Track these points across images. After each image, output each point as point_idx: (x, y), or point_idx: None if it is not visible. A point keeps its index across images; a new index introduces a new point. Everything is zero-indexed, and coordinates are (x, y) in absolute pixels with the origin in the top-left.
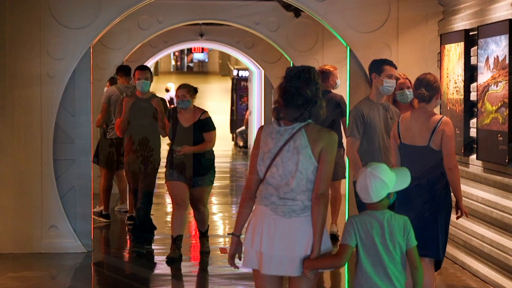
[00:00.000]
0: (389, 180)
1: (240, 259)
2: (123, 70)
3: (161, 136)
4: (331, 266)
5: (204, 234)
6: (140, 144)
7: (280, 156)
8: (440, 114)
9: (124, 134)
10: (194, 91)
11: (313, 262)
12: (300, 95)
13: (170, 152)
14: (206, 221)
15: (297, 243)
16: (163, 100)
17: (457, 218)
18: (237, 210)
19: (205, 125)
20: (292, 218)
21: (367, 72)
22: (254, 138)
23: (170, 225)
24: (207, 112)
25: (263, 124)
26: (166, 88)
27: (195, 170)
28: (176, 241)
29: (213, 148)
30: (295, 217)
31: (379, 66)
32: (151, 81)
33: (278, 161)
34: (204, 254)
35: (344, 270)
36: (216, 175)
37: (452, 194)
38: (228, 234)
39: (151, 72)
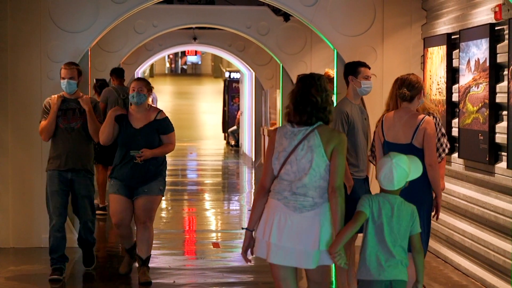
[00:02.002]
0: (409, 169)
1: (252, 253)
2: (116, 72)
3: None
4: (350, 233)
5: (144, 262)
6: (67, 149)
7: (294, 154)
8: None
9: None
10: (150, 89)
11: (334, 242)
12: (310, 102)
13: (117, 156)
14: (151, 243)
15: (305, 237)
16: (93, 99)
17: (433, 216)
18: (228, 206)
19: (163, 126)
20: (302, 214)
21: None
22: (240, 139)
23: (165, 220)
24: (163, 111)
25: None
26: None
27: (142, 176)
28: (128, 251)
29: (208, 147)
30: (305, 212)
31: (355, 68)
32: (79, 81)
33: (292, 158)
34: (145, 285)
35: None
36: (208, 173)
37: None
38: (242, 228)
39: (79, 71)
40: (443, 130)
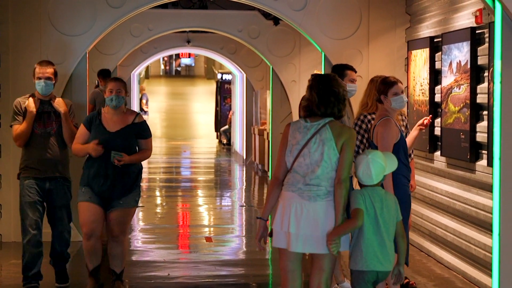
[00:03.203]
0: (385, 164)
1: (265, 242)
2: (103, 73)
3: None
4: (351, 229)
5: (119, 277)
6: (44, 156)
7: (307, 147)
8: (407, 114)
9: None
10: (127, 90)
11: (335, 231)
12: (333, 93)
13: (87, 163)
14: (125, 257)
15: (321, 223)
16: (68, 102)
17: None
18: (220, 202)
19: (142, 130)
20: (317, 202)
21: None
22: (231, 138)
23: (159, 216)
24: (141, 114)
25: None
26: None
27: (117, 187)
28: (93, 273)
29: (201, 145)
30: (320, 201)
31: (342, 71)
32: (55, 82)
33: (305, 151)
34: None
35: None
36: (201, 171)
37: (410, 186)
38: (257, 218)
39: (55, 71)
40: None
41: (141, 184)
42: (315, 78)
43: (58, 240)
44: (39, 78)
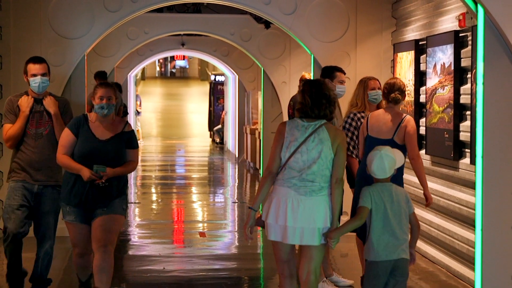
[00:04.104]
0: (396, 158)
1: (251, 232)
2: (100, 75)
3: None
4: (353, 227)
5: None
6: (35, 158)
7: (305, 144)
8: None
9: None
10: (118, 95)
11: (337, 230)
12: (324, 96)
13: (67, 174)
14: (112, 272)
15: (316, 217)
16: (63, 100)
17: (427, 205)
18: (214, 199)
19: (131, 139)
20: (313, 197)
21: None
22: (226, 136)
23: (155, 212)
24: (129, 123)
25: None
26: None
27: (103, 194)
28: (85, 284)
29: (195, 144)
30: (315, 196)
31: (331, 72)
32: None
33: (303, 148)
34: None
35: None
36: (195, 168)
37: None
38: (249, 207)
39: (49, 68)
40: None
41: (137, 181)
42: (307, 83)
43: (42, 256)
44: (34, 75)
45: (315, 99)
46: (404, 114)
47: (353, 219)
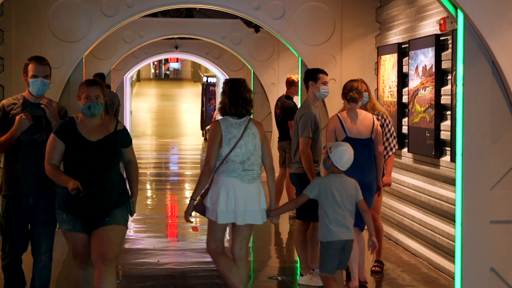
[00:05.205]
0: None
1: (190, 216)
2: (98, 77)
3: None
4: (289, 209)
5: None
6: (29, 168)
7: (243, 139)
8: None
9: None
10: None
11: (277, 210)
12: (241, 97)
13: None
14: None
15: (260, 199)
16: (61, 106)
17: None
18: None
19: (125, 137)
20: (255, 183)
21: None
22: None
23: (150, 207)
24: (120, 121)
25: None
26: None
27: (103, 202)
28: None
29: (187, 143)
30: (255, 182)
31: (315, 74)
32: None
33: (241, 143)
34: None
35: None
36: (187, 166)
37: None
38: (190, 199)
39: (50, 69)
40: (394, 133)
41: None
42: (227, 84)
43: (39, 271)
44: (35, 76)
45: (232, 99)
46: (370, 113)
47: (291, 202)
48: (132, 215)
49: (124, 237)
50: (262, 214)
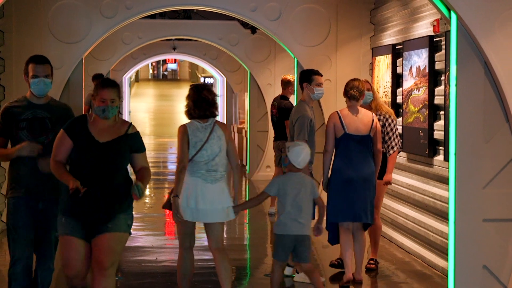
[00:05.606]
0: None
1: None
2: (97, 78)
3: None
4: (251, 206)
5: None
6: (35, 172)
7: (208, 142)
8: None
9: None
10: (119, 92)
11: (240, 206)
12: (204, 100)
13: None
14: None
15: (222, 198)
16: (66, 106)
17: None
18: None
19: (136, 142)
20: (217, 184)
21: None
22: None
23: (148, 205)
24: (133, 125)
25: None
26: None
27: (105, 208)
28: None
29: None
30: (218, 183)
31: (309, 76)
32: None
33: (207, 146)
34: None
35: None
36: None
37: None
38: (173, 197)
39: (52, 69)
40: (397, 132)
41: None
42: (192, 88)
43: (42, 272)
44: (36, 76)
45: (196, 102)
46: (371, 112)
47: (253, 199)
48: (140, 197)
49: (125, 243)
50: (225, 212)
